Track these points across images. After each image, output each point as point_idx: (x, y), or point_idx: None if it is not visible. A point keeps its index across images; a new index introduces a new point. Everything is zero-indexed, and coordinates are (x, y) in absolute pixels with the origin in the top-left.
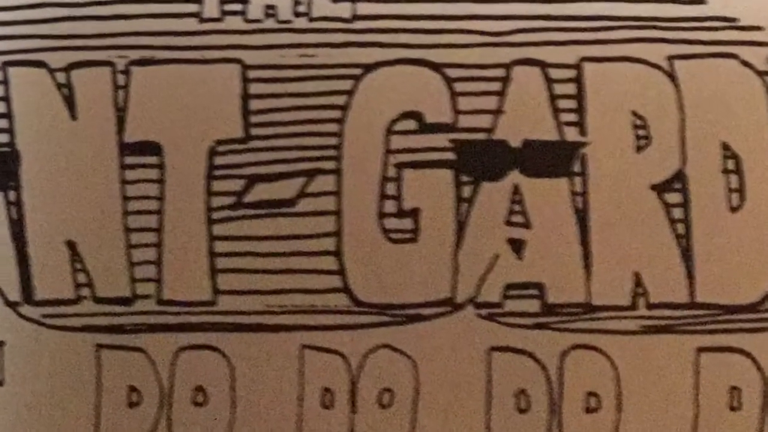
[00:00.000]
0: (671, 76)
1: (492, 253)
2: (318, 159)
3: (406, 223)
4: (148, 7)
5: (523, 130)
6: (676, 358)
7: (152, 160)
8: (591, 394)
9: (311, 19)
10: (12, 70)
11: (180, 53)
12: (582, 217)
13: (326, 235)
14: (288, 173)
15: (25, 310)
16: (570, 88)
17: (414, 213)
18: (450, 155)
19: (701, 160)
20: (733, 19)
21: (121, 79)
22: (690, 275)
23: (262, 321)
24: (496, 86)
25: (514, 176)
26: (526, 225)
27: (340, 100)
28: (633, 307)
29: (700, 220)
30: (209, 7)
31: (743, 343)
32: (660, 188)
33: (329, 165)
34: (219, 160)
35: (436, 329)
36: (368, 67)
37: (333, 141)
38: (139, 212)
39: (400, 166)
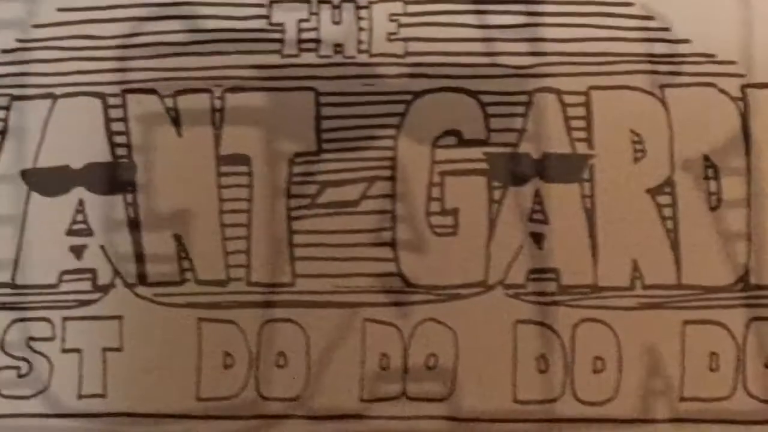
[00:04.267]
0: (662, 101)
1: (518, 244)
2: (377, 168)
3: (448, 220)
4: (239, 45)
5: (542, 144)
6: (666, 329)
7: (243, 169)
8: (597, 358)
9: (371, 55)
10: (129, 96)
11: (265, 83)
12: (590, 215)
13: (383, 229)
14: (353, 180)
15: (140, 290)
16: (580, 111)
17: (454, 212)
18: (484, 165)
19: (687, 169)
20: (712, 55)
21: (217, 104)
22: (677, 262)
23: (332, 299)
24: (520, 109)
25: (536, 182)
26: (545, 221)
27: (394, 120)
28: (631, 287)
29: (686, 217)
30: (289, 46)
31: (720, 317)
32: (653, 192)
33: (386, 173)
34: (297, 169)
35: (471, 306)
36: (417, 94)
37: (389, 153)
38: (232, 211)
39: (443, 174)
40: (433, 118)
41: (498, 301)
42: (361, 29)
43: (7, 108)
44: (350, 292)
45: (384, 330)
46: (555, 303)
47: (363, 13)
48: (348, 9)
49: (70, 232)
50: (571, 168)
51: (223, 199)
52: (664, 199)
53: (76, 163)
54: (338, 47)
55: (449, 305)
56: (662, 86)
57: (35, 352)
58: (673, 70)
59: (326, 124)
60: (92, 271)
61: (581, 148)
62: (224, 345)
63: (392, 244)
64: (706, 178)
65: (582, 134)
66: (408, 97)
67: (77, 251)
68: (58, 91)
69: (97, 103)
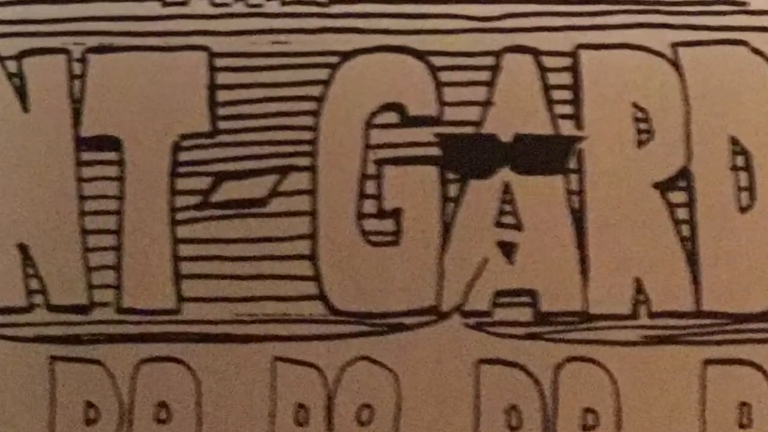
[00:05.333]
0: (675, 65)
1: (480, 257)
2: (291, 155)
3: (387, 225)
4: None
5: (514, 123)
6: (680, 370)
7: (111, 156)
8: (588, 410)
9: (284, 3)
10: None
11: (141, 40)
12: (578, 217)
13: (300, 237)
14: (259, 170)
15: None
16: (565, 78)
17: (395, 213)
18: (435, 151)
19: (708, 156)
20: (743, 3)
21: (77, 68)
22: (695, 281)
23: (231, 331)
24: (484, 76)
25: (505, 173)
26: (518, 227)
27: (315, 90)
28: (634, 315)
29: (707, 221)
30: None
31: (753, 355)
32: (663, 186)
33: (304, 161)
34: (183, 156)
35: (419, 340)
36: (346, 55)
37: (308, 135)
38: (96, 213)
39: (381, 162)
40: (366, 88)
41: (455, 333)
42: None
43: None
44: (255, 321)
45: (301, 372)
46: (531, 336)
47: None
48: None
49: None
50: (552, 155)
51: (84, 197)
52: (677, 197)
53: None
54: None
55: (389, 339)
56: (675, 45)
57: None
58: (689, 23)
59: (223, 95)
60: None
61: (566, 128)
62: (86, 393)
63: (312, 257)
64: (734, 168)
65: (567, 109)
66: (333, 60)
67: None
68: None
69: None
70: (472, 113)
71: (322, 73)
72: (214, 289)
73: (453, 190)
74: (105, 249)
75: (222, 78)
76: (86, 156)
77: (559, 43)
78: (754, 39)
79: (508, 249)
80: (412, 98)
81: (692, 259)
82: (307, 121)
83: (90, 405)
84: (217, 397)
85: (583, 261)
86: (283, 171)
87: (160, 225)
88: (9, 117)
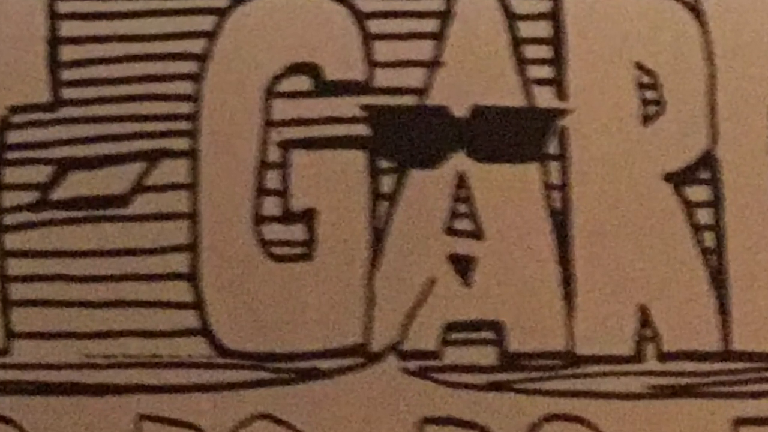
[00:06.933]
0: (696, 11)
1: (425, 276)
2: (164, 135)
3: (296, 232)
4: None
5: (471, 91)
6: None
7: None
8: None
9: None
10: None
11: None
12: (561, 222)
13: (176, 249)
14: (118, 156)
15: None
16: (543, 29)
17: (307, 216)
18: (362, 129)
19: (739, 137)
20: None
21: None
22: (723, 310)
23: (79, 379)
24: (431, 24)
25: (458, 160)
26: (477, 234)
27: (196, 46)
28: (638, 358)
29: (738, 227)
30: None
31: None
32: (678, 179)
33: (180, 144)
34: (14, 137)
35: (340, 391)
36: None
37: (186, 108)
38: None
39: (287, 145)
40: (266, 43)
41: (390, 382)
42: None
43: None
44: (113, 365)
45: None
46: (496, 387)
47: None
48: None
49: None
50: (524, 135)
51: None
52: (698, 194)
53: None
54: None
55: (298, 391)
56: None
57: None
58: None
59: (68, 52)
60: None
61: (544, 98)
62: None
63: (192, 277)
64: None
65: (545, 71)
66: (221, 3)
67: None
68: None
69: None
70: (413, 77)
71: (205, 22)
72: (55, 321)
73: (387, 183)
74: None
75: (67, 29)
76: None
77: None
78: None
79: (463, 265)
80: (330, 56)
81: (718, 281)
82: (185, 87)
83: None
84: None
85: (568, 282)
86: (152, 157)
87: None
88: None
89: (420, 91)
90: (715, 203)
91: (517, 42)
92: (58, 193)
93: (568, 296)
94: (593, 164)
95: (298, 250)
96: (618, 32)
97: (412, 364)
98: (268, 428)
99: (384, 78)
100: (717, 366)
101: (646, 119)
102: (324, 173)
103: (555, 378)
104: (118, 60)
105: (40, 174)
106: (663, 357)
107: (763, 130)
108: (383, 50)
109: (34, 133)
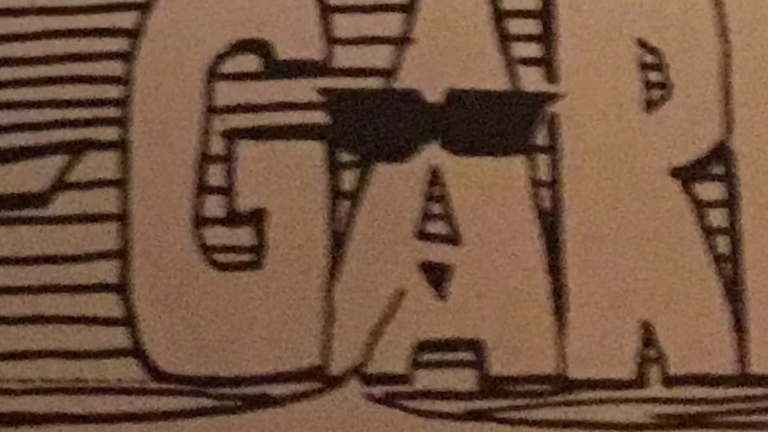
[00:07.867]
0: None
1: (392, 288)
2: (89, 123)
3: (243, 236)
4: None
5: (446, 72)
6: None
7: None
8: None
9: None
10: None
11: None
12: (550, 224)
13: (103, 256)
14: (36, 148)
15: None
16: (530, 1)
17: (256, 218)
18: (319, 116)
19: (758, 126)
20: None
21: None
22: (739, 328)
23: None
24: None
25: (432, 153)
26: (453, 239)
27: (126, 20)
28: (640, 382)
29: (757, 229)
30: None
31: None
32: (687, 174)
33: (108, 134)
34: None
35: (294, 421)
36: None
37: (115, 92)
38: None
39: (233, 135)
40: (209, 15)
41: (351, 410)
42: None
43: None
44: (32, 391)
45: None
46: (475, 416)
47: None
48: None
49: None
50: (508, 124)
51: None
52: (710, 191)
53: None
54: None
55: (246, 420)
56: None
57: None
58: None
59: None
60: None
61: (531, 81)
62: None
63: (122, 288)
64: None
65: (533, 50)
66: None
67: None
68: None
69: None
70: (378, 56)
71: None
72: None
73: (348, 179)
74: None
75: None
76: None
77: None
78: None
79: (437, 275)
80: (283, 32)
81: (733, 292)
82: (115, 68)
83: None
84: None
85: (558, 294)
86: (76, 149)
87: None
88: None
89: (387, 73)
90: (730, 202)
91: (500, 15)
92: None
93: (559, 311)
94: (588, 157)
95: (245, 257)
96: (617, 4)
97: (378, 390)
98: None
99: (345, 57)
100: (732, 392)
101: (650, 105)
102: (275, 168)
103: (544, 406)
104: (35, 36)
105: None
106: (669, 381)
107: None
108: (344, 25)
109: None
